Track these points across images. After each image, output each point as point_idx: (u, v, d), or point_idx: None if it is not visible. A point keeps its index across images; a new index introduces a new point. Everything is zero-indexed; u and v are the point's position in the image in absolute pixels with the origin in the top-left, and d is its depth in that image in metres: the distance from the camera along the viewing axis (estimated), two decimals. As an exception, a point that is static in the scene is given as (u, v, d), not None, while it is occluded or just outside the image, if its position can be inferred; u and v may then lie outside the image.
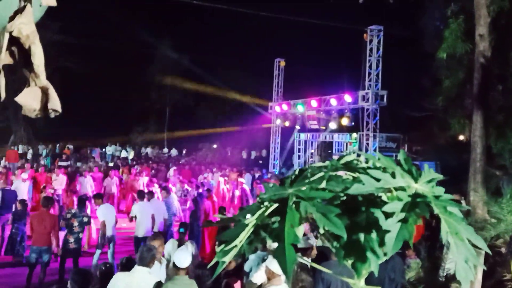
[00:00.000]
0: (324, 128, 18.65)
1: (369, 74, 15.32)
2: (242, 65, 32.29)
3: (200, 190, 12.77)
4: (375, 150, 15.63)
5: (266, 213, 1.08)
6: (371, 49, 15.40)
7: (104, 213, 9.07)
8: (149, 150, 32.14)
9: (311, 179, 1.13)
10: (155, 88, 34.70)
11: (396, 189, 1.11)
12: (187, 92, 35.17)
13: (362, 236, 1.11)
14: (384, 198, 1.17)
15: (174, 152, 32.23)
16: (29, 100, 1.48)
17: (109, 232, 9.06)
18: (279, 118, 21.48)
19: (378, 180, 1.11)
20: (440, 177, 1.20)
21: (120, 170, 18.46)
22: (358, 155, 1.35)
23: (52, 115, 1.54)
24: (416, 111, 18.83)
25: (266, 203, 1.09)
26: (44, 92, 1.50)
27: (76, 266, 8.12)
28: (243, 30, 32.83)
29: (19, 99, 1.46)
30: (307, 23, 18.95)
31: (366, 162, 1.30)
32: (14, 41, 1.46)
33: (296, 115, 20.05)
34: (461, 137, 12.02)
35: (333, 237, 1.12)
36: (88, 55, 29.62)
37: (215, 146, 30.47)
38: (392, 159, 1.24)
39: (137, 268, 4.73)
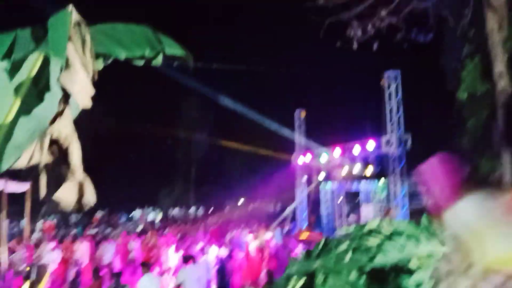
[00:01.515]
0: (349, 176, 18.43)
1: (391, 118, 15.30)
2: (264, 117, 32.72)
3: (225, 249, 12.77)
4: (404, 197, 15.23)
5: (295, 289, 1.09)
6: (390, 94, 15.46)
7: (143, 285, 8.44)
8: (176, 211, 32.28)
9: (337, 251, 1.15)
10: (180, 146, 35.32)
11: (423, 257, 1.11)
12: (212, 148, 35.64)
13: (393, 306, 1.10)
14: (413, 263, 1.17)
15: (201, 211, 32.26)
16: (66, 195, 1.58)
17: None
18: (303, 168, 21.40)
19: (403, 248, 1.12)
20: None
21: (149, 233, 18.42)
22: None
23: (87, 208, 1.64)
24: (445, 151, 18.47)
25: (293, 279, 1.11)
26: (81, 186, 1.60)
27: None
28: (264, 84, 33.64)
29: (58, 194, 1.57)
30: (325, 73, 19.33)
31: (390, 225, 1.32)
32: (54, 142, 1.59)
33: (320, 165, 19.96)
34: (492, 177, 11.65)
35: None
36: (116, 116, 30.51)
37: (242, 200, 30.39)
38: (416, 224, 1.25)
39: None
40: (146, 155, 32.31)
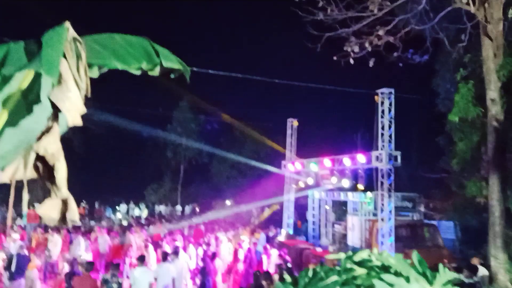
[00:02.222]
0: (337, 187, 18.52)
1: (382, 135, 15.39)
2: (256, 124, 32.90)
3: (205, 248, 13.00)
4: (390, 212, 15.34)
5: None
6: (383, 111, 15.56)
7: (134, 277, 8.84)
8: (162, 208, 32.09)
9: (325, 283, 1.13)
10: (170, 146, 35.36)
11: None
12: (201, 150, 35.77)
13: None
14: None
15: (187, 210, 32.14)
16: (49, 211, 1.55)
17: None
18: (292, 176, 21.46)
19: (392, 286, 1.11)
20: (456, 277, 1.19)
21: (133, 229, 18.34)
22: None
23: (70, 224, 1.61)
24: (432, 172, 18.66)
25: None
26: (64, 203, 1.57)
27: None
28: (258, 92, 33.81)
29: (41, 210, 1.54)
30: (320, 86, 19.43)
31: (379, 259, 1.31)
32: (39, 158, 1.56)
33: (309, 173, 20.03)
34: (479, 200, 11.81)
35: None
36: (107, 114, 30.46)
37: (228, 203, 30.34)
38: (406, 261, 1.24)
39: None
40: (134, 151, 32.15)
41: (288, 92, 28.99)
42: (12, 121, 1.65)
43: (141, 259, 9.45)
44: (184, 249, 13.83)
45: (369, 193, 17.26)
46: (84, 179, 19.46)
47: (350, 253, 1.41)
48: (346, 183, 17.41)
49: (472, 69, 11.89)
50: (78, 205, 19.79)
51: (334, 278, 1.18)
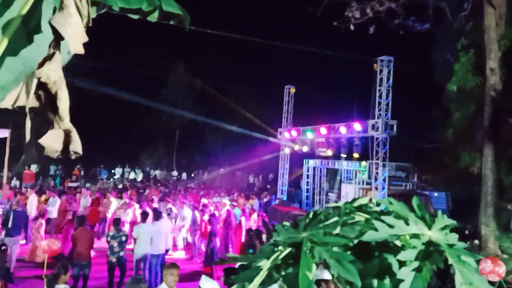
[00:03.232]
0: (332, 155, 18.61)
1: (379, 103, 15.35)
2: (253, 90, 32.68)
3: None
4: (384, 180, 15.50)
5: (280, 257, 1.08)
6: (381, 79, 15.46)
7: (137, 232, 9.61)
8: (157, 172, 32.22)
9: (325, 223, 1.14)
10: (165, 111, 35.17)
11: (410, 236, 1.11)
12: (197, 116, 35.64)
13: (375, 282, 1.11)
14: (397, 243, 1.17)
15: (184, 175, 32.31)
16: (52, 141, 1.52)
17: (142, 250, 9.49)
18: (288, 144, 21.51)
19: (391, 226, 1.12)
20: (454, 223, 1.20)
21: (129, 192, 18.49)
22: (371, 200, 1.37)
23: (73, 156, 1.59)
24: (426, 142, 18.75)
25: (280, 247, 1.10)
26: (67, 134, 1.54)
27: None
28: (255, 57, 33.39)
29: (43, 140, 1.51)
30: (318, 52, 19.20)
31: (378, 205, 1.31)
32: (41, 86, 1.52)
33: (305, 141, 20.08)
34: (472, 170, 11.92)
35: (347, 283, 1.12)
36: (100, 76, 30.11)
37: (222, 170, 30.50)
38: (405, 205, 1.25)
39: None
40: (129, 115, 31.92)
41: (285, 58, 28.61)
42: (12, 50, 1.60)
43: (116, 222, 9.84)
44: (178, 210, 14.08)
45: (363, 162, 17.39)
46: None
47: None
48: (341, 147, 17.48)
49: (472, 39, 11.76)
50: (74, 168, 19.77)
51: (335, 219, 1.18)
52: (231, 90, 33.18)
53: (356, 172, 17.94)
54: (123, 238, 9.25)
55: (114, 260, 9.03)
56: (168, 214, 13.20)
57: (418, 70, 21.27)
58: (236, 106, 32.29)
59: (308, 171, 21.42)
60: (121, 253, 9.16)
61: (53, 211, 14.28)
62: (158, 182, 25.93)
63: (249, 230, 10.88)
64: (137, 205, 14.51)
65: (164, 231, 10.26)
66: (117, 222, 9.76)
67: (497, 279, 5.57)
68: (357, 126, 16.15)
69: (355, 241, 1.14)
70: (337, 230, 1.12)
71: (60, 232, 12.74)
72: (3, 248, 8.25)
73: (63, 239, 10.88)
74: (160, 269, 9.08)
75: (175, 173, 32.56)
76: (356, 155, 17.07)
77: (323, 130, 18.17)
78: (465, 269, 1.07)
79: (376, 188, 15.35)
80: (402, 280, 1.05)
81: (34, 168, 25.16)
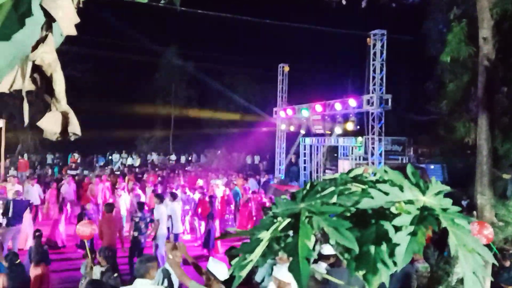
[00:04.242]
0: (329, 132, 18.65)
1: (373, 78, 15.33)
2: (246, 71, 32.48)
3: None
4: (380, 154, 15.61)
5: (280, 228, 1.12)
6: (374, 53, 15.42)
7: (159, 212, 10.26)
8: (155, 156, 32.20)
9: (322, 193, 1.17)
10: (160, 94, 35.00)
11: (405, 202, 1.14)
12: (191, 99, 35.56)
13: (372, 248, 1.14)
14: (393, 210, 1.20)
15: (182, 159, 32.32)
16: (50, 124, 1.53)
17: (163, 230, 10.28)
18: (283, 123, 21.51)
19: (387, 194, 1.15)
20: (447, 189, 1.24)
21: (126, 178, 18.51)
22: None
23: (72, 138, 1.60)
24: (422, 115, 18.81)
25: (279, 218, 1.13)
26: (65, 116, 1.55)
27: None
28: (247, 36, 33.04)
29: (41, 123, 1.52)
30: (311, 29, 19.01)
31: (374, 175, 1.34)
32: (36, 69, 1.52)
33: (301, 120, 20.09)
34: (467, 140, 11.99)
35: (345, 250, 1.16)
36: (94, 63, 29.84)
37: (219, 152, 30.54)
38: (400, 173, 1.28)
39: (137, 281, 4.55)
40: (124, 100, 31.71)
41: (278, 36, 28.33)
42: (4, 35, 1.59)
43: (140, 205, 10.65)
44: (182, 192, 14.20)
45: (359, 138, 17.47)
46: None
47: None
48: (338, 130, 17.55)
49: (465, 9, 11.68)
50: (70, 156, 19.71)
51: (331, 189, 1.21)
52: (224, 71, 32.98)
53: (352, 148, 18.03)
54: (148, 220, 10.15)
55: (142, 240, 9.85)
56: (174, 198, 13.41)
57: (412, 43, 21.15)
58: (230, 86, 32.16)
59: (305, 149, 21.50)
60: (147, 233, 10.09)
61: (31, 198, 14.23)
62: (156, 167, 25.96)
63: (264, 207, 11.40)
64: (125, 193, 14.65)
65: (179, 212, 11.36)
66: (141, 205, 10.60)
67: (485, 242, 5.67)
68: (352, 101, 16.17)
69: (352, 210, 1.18)
70: (334, 199, 1.15)
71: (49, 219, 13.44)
72: (37, 234, 8.36)
73: (52, 226, 11.92)
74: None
75: (173, 157, 32.54)
76: (351, 129, 17.09)
77: (318, 107, 18.17)
78: (459, 231, 1.11)
79: (373, 163, 15.46)
80: (398, 244, 1.09)
81: (32, 158, 25.13)
